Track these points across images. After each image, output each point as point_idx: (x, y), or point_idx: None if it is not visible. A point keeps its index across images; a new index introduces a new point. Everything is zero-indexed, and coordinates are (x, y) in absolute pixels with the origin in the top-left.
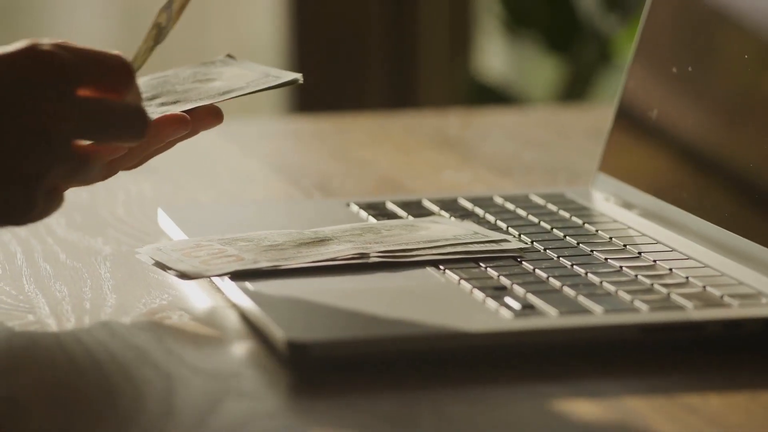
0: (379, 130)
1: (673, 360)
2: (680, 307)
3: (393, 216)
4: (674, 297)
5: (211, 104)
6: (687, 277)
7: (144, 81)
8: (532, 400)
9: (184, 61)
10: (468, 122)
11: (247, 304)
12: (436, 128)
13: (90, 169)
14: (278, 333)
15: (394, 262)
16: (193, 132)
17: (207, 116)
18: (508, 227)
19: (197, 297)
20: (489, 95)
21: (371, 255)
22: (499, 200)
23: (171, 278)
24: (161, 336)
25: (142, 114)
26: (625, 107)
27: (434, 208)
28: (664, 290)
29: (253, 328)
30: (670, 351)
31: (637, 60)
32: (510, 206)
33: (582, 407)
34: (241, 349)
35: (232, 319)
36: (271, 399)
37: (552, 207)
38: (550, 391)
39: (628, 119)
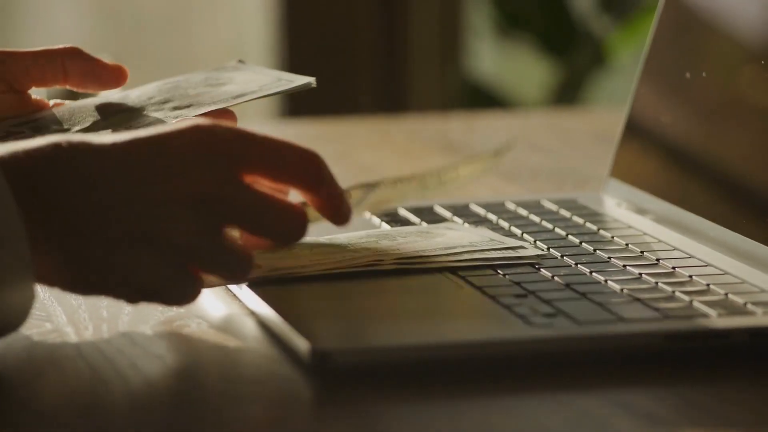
0: (379, 134)
1: (699, 369)
2: (704, 315)
3: (406, 222)
4: (697, 305)
5: (225, 107)
6: (708, 285)
7: (156, 86)
8: (561, 410)
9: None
10: (470, 126)
11: (267, 312)
12: (438, 132)
13: (245, 267)
14: (301, 341)
15: (409, 269)
16: None
17: (221, 119)
18: (522, 233)
19: (213, 304)
20: (481, 98)
21: (386, 262)
22: (511, 206)
23: None
24: (182, 345)
25: (302, 219)
26: (636, 112)
27: (447, 213)
28: (686, 298)
29: (272, 335)
30: (693, 360)
31: (648, 65)
32: (523, 212)
33: (613, 417)
34: (262, 357)
35: (250, 327)
36: (295, 407)
37: (565, 213)
38: (578, 400)
39: (640, 124)
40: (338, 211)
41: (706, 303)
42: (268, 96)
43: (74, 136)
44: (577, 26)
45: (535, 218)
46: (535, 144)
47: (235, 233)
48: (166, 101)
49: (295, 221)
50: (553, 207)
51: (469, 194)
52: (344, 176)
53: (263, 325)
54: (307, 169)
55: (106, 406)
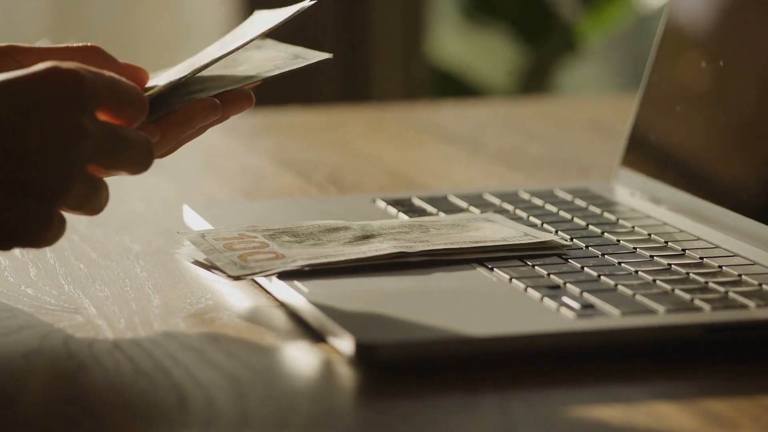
0: (375, 122)
1: (742, 360)
2: (743, 306)
3: (422, 212)
4: (733, 296)
5: (242, 88)
6: (740, 275)
7: (179, 69)
8: (614, 402)
9: (120, 46)
10: (463, 115)
11: (304, 305)
12: (431, 120)
13: (103, 196)
14: (345, 335)
15: (435, 260)
16: (224, 117)
17: (238, 100)
18: (542, 224)
19: (241, 296)
20: (448, 85)
21: (412, 254)
22: (525, 195)
23: (210, 276)
24: (217, 338)
25: (149, 147)
26: (648, 101)
27: (462, 204)
28: (721, 289)
29: (308, 328)
30: (733, 351)
31: (660, 54)
32: (538, 202)
33: (662, 409)
34: (300, 350)
35: (282, 319)
36: (341, 400)
37: (580, 202)
38: (628, 392)
39: (651, 114)
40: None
41: (741, 294)
42: (285, 73)
43: None
44: (549, 12)
45: (552, 208)
46: (531, 132)
47: None
48: (180, 85)
49: (148, 144)
50: (567, 197)
51: (480, 183)
52: (350, 167)
53: (296, 317)
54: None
55: (156, 402)
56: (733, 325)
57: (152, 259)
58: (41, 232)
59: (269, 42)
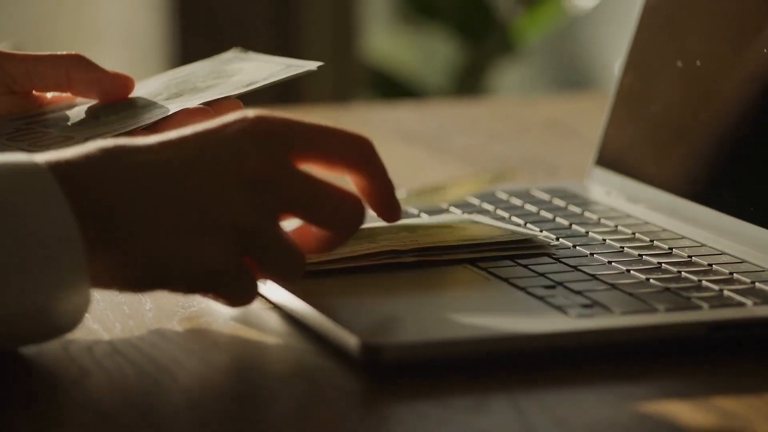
0: (336, 123)
1: (744, 358)
2: (741, 304)
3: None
4: (729, 294)
5: (232, 97)
6: (731, 273)
7: (162, 82)
8: (625, 401)
9: (59, 45)
10: (419, 115)
11: (302, 307)
12: (390, 121)
13: (300, 264)
14: (349, 336)
15: (428, 261)
16: None
17: (227, 108)
18: (526, 223)
19: None
20: (384, 85)
21: (405, 254)
22: (503, 195)
23: None
24: (216, 341)
25: (356, 209)
26: (621, 101)
27: (442, 204)
28: (715, 287)
29: (305, 329)
30: (732, 349)
31: (633, 54)
32: (517, 202)
33: (675, 408)
34: (302, 352)
35: (277, 321)
36: (347, 402)
37: (559, 202)
38: (635, 391)
39: (626, 113)
40: (389, 198)
41: (736, 292)
42: (276, 82)
43: (119, 140)
44: (489, 11)
45: (532, 208)
46: (492, 132)
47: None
48: (177, 95)
49: (353, 207)
50: (545, 196)
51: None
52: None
53: (291, 319)
54: (359, 150)
55: (164, 405)
56: (734, 323)
57: None
58: (232, 282)
59: (252, 54)
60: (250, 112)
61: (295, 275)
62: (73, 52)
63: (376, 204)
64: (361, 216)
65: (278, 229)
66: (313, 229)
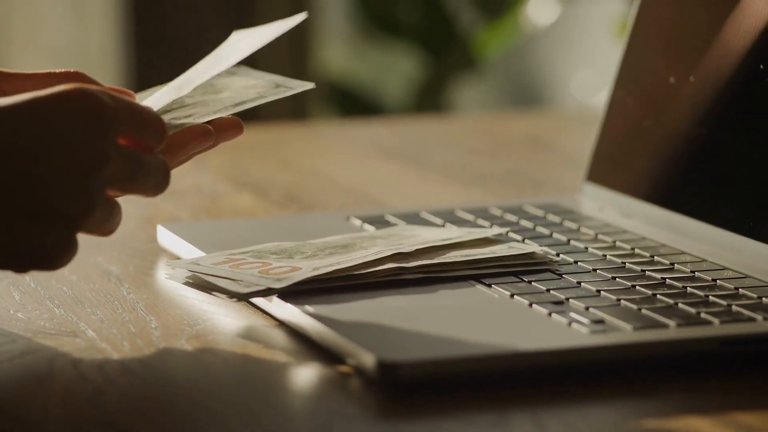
0: (313, 140)
1: (757, 373)
2: (751, 319)
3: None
4: (737, 309)
5: (232, 115)
6: (737, 288)
7: (152, 95)
8: (645, 417)
9: (10, 63)
10: (397, 131)
11: (312, 324)
12: (368, 137)
13: (117, 218)
14: (365, 354)
15: (433, 277)
16: (215, 143)
17: (229, 128)
18: (524, 239)
19: (236, 317)
20: (342, 101)
21: (408, 271)
22: (496, 211)
23: (198, 297)
24: (227, 359)
25: (167, 171)
26: (613, 117)
27: (437, 220)
28: (722, 302)
29: (314, 347)
30: (743, 364)
31: (624, 70)
32: (512, 217)
33: (696, 423)
34: (315, 370)
35: (284, 339)
36: (364, 420)
37: (553, 218)
38: (654, 406)
39: (618, 129)
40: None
41: (744, 307)
42: (269, 102)
43: None
44: (451, 26)
45: (528, 223)
46: (471, 148)
47: None
48: (164, 112)
49: (165, 170)
50: (539, 212)
51: (439, 199)
52: (305, 185)
53: (300, 336)
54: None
55: (181, 423)
56: (746, 338)
57: (135, 281)
58: (62, 258)
59: (243, 69)
60: (74, 87)
61: (117, 226)
62: (72, 69)
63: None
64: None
65: (105, 200)
66: None
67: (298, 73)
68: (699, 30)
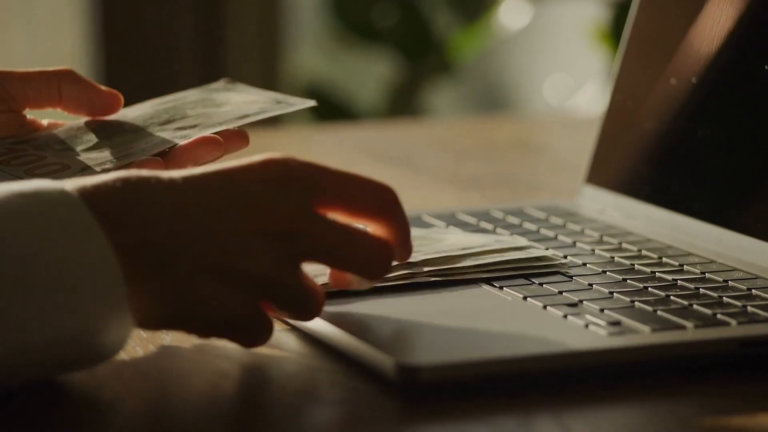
0: (301, 144)
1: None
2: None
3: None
4: (753, 310)
5: (238, 127)
6: (749, 289)
7: (150, 106)
8: (670, 419)
9: None
10: (386, 135)
11: (326, 328)
12: (356, 142)
13: (267, 332)
14: (384, 357)
15: (445, 281)
16: (223, 153)
17: (236, 139)
18: (529, 242)
19: None
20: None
21: (420, 275)
22: (498, 214)
23: None
24: (243, 364)
25: (390, 254)
26: (612, 119)
27: (439, 223)
28: (737, 303)
29: (328, 350)
30: (760, 366)
31: (623, 73)
32: (514, 220)
33: (722, 424)
34: (330, 374)
35: (295, 342)
36: (384, 424)
37: (556, 220)
38: (679, 408)
39: (618, 131)
40: (406, 244)
41: (760, 308)
42: (269, 116)
43: (141, 171)
44: (427, 30)
45: (531, 226)
46: (461, 152)
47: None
48: (167, 122)
49: (380, 252)
50: (540, 214)
51: (436, 203)
52: None
53: (312, 340)
54: (383, 199)
55: (204, 428)
56: (766, 339)
57: None
58: (245, 327)
59: (240, 85)
60: (276, 155)
61: (312, 317)
62: (64, 67)
63: (396, 249)
64: (388, 258)
65: (298, 275)
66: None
67: (269, 78)
68: (699, 30)
